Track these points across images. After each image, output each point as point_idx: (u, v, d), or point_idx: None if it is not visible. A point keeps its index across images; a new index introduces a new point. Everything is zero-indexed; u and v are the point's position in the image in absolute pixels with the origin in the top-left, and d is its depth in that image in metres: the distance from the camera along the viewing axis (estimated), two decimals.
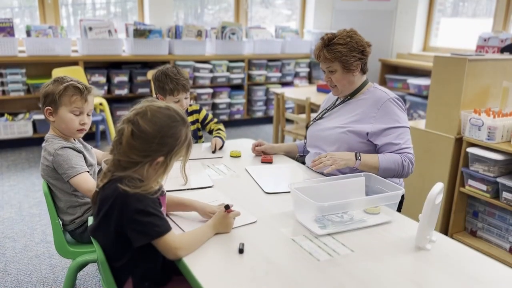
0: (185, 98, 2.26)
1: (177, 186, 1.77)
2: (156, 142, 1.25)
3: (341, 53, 1.89)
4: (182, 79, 2.23)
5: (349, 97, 2.01)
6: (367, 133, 1.90)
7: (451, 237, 2.70)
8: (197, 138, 2.49)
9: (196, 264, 1.25)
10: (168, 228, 1.26)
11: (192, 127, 2.43)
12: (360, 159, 1.83)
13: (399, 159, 1.85)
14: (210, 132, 2.46)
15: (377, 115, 1.91)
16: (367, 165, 1.84)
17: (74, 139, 1.84)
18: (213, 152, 2.27)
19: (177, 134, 1.28)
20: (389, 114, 1.90)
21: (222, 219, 1.40)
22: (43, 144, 1.80)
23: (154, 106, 1.28)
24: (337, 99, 2.09)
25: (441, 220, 2.71)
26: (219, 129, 2.43)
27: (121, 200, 1.22)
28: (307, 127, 2.17)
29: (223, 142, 2.34)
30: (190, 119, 2.43)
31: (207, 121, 2.48)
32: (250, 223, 1.50)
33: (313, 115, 2.23)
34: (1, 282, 2.23)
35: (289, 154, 2.26)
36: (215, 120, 2.50)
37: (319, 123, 2.09)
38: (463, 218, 2.74)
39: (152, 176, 1.29)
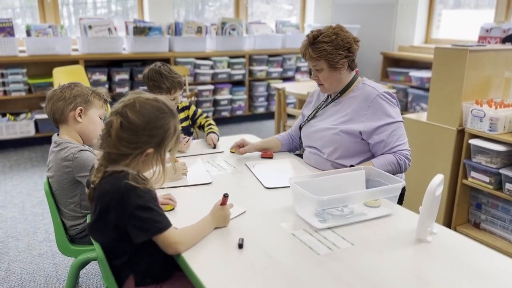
0: (180, 95, 2.27)
1: (175, 183, 1.77)
2: (146, 134, 1.25)
3: (326, 51, 1.84)
4: (177, 77, 2.23)
5: (338, 95, 1.98)
6: (360, 132, 1.87)
7: (455, 229, 2.69)
8: (190, 134, 2.49)
9: (195, 260, 1.25)
10: (168, 224, 1.26)
11: (185, 123, 2.46)
12: None
13: (393, 160, 1.83)
14: (200, 127, 2.51)
15: (368, 113, 1.87)
16: None
17: (84, 144, 1.83)
18: (214, 147, 2.28)
19: (166, 125, 1.28)
20: (380, 111, 1.86)
21: (220, 211, 1.41)
22: (55, 149, 1.77)
23: (142, 98, 1.28)
24: (327, 97, 2.06)
25: (444, 212, 2.69)
26: (210, 124, 2.47)
27: (121, 195, 1.21)
28: (300, 128, 2.13)
29: (218, 136, 2.38)
30: (181, 115, 2.46)
31: (196, 116, 2.52)
32: (240, 214, 1.51)
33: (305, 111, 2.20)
34: (5, 281, 2.24)
35: (274, 149, 2.19)
36: (205, 114, 2.54)
37: (312, 124, 2.04)
38: (466, 210, 2.73)
39: (145, 169, 1.30)
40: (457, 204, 2.67)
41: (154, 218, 1.23)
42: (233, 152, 2.19)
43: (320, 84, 1.97)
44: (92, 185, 1.30)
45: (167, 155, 1.35)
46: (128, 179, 1.22)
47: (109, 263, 1.31)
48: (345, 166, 1.86)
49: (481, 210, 2.65)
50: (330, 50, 1.84)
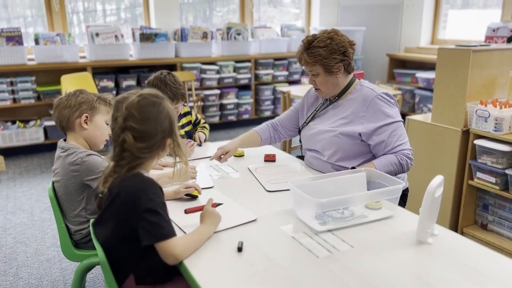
0: (181, 105, 2.33)
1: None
2: (158, 131, 1.30)
3: (321, 56, 1.83)
4: (181, 88, 2.27)
5: (336, 97, 1.97)
6: (360, 134, 1.86)
7: (461, 230, 2.67)
8: (191, 138, 2.51)
9: (194, 264, 1.26)
10: (172, 233, 1.27)
11: (187, 128, 2.51)
12: None
13: (395, 160, 1.82)
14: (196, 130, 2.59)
15: (367, 114, 1.86)
16: None
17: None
18: (199, 145, 2.42)
19: (165, 113, 1.32)
20: (379, 111, 1.85)
21: (206, 215, 1.44)
22: (62, 154, 1.79)
23: (133, 103, 1.28)
24: (325, 99, 2.04)
25: (450, 213, 2.67)
26: (204, 127, 2.56)
27: (132, 197, 1.25)
28: (299, 131, 2.13)
29: (205, 135, 2.49)
30: (184, 120, 2.49)
31: (197, 121, 2.57)
32: (251, 221, 1.50)
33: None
34: (12, 286, 2.28)
35: (253, 145, 2.18)
36: (203, 121, 2.61)
37: (311, 126, 2.03)
38: (473, 211, 2.70)
39: (164, 154, 1.37)
40: (463, 205, 2.64)
41: (160, 224, 1.24)
42: (236, 156, 2.21)
43: (317, 89, 1.98)
44: (100, 195, 1.32)
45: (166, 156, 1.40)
46: (142, 182, 1.27)
47: (110, 260, 1.33)
48: (346, 168, 1.86)
49: (488, 211, 2.63)
50: (325, 54, 1.83)
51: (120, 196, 1.26)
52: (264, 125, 2.22)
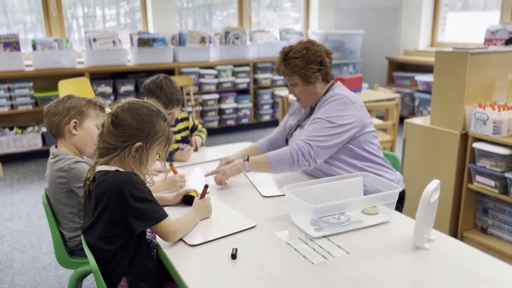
0: (177, 111, 2.32)
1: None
2: (133, 127, 1.33)
3: (298, 67, 1.84)
4: (177, 94, 2.26)
5: (315, 106, 1.95)
6: None
7: (461, 235, 2.64)
8: (187, 143, 2.50)
9: (188, 270, 1.24)
10: (165, 214, 1.35)
11: (184, 134, 2.49)
12: (247, 160, 1.83)
13: (286, 149, 1.79)
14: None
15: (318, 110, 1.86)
16: (257, 164, 1.83)
17: (81, 156, 1.84)
18: (195, 150, 2.39)
19: (152, 121, 1.36)
20: (326, 107, 1.82)
21: (201, 204, 1.54)
22: (51, 160, 1.79)
23: (133, 100, 1.39)
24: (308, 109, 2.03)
25: (450, 218, 2.64)
26: (201, 131, 2.54)
27: (119, 189, 1.27)
28: (286, 141, 2.11)
29: (202, 139, 2.47)
30: (181, 125, 2.47)
31: (195, 127, 2.56)
32: (249, 228, 1.48)
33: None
34: None
35: None
36: (200, 126, 2.59)
37: (294, 137, 2.01)
38: (472, 215, 2.67)
39: (134, 165, 1.36)
40: (463, 209, 2.61)
41: (152, 209, 1.31)
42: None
43: (297, 99, 1.97)
44: (87, 182, 1.36)
45: (157, 161, 1.44)
46: (124, 175, 1.31)
47: (102, 264, 1.33)
48: (335, 174, 1.82)
49: (488, 215, 2.60)
50: (301, 65, 1.84)
51: (107, 192, 1.29)
52: (263, 140, 2.22)
